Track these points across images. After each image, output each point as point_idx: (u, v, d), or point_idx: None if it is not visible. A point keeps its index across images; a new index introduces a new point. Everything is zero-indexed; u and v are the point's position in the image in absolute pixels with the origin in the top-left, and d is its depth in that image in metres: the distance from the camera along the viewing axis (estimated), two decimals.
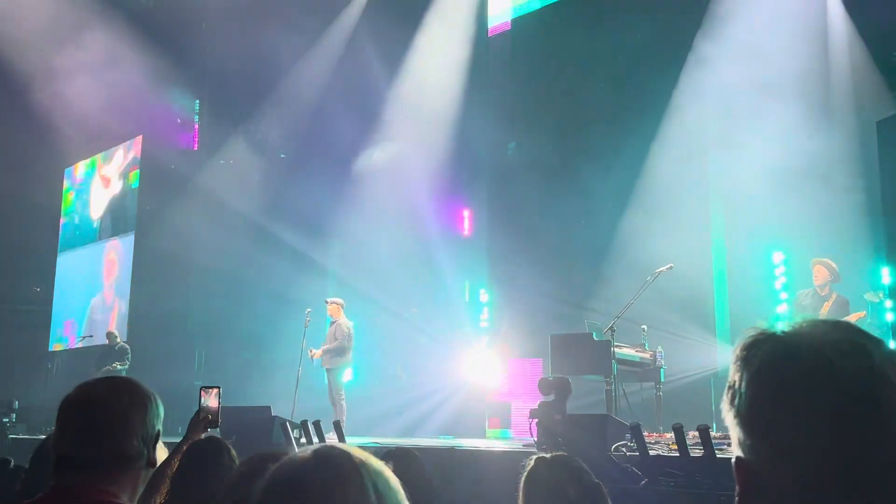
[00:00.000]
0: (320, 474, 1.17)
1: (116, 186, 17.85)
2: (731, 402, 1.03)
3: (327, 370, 11.03)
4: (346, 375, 11.39)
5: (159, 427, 2.05)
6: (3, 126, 16.14)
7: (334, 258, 15.35)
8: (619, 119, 11.67)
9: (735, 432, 1.02)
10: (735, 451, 1.03)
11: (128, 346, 13.44)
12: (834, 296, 8.29)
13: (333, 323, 11.24)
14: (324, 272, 15.30)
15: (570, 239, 12.22)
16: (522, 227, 12.91)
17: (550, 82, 12.75)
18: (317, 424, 8.05)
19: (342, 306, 11.34)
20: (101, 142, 17.65)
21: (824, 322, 1.03)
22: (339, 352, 11.04)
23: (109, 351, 13.42)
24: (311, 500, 1.15)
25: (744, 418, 1.00)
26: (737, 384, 1.02)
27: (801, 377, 0.96)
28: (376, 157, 14.56)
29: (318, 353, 11.09)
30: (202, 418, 3.21)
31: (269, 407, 8.51)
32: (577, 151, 12.13)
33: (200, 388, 3.26)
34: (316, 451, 1.23)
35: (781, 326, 1.05)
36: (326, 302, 11.36)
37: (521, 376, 12.14)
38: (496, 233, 13.54)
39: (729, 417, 1.04)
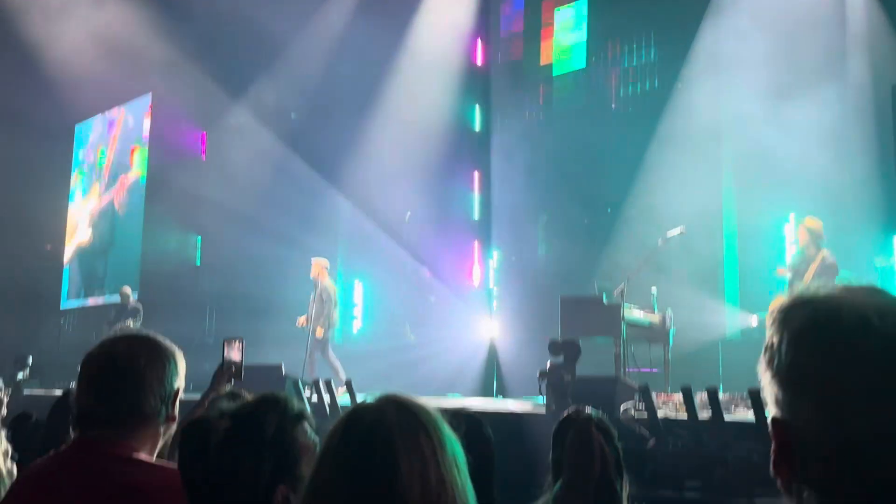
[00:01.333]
0: (399, 418, 1.23)
1: (125, 145, 17.88)
2: (770, 364, 1.03)
3: (318, 339, 10.93)
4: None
5: (179, 384, 2.07)
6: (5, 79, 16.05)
7: (344, 218, 15.35)
8: (635, 76, 11.64)
9: (772, 392, 1.03)
10: (771, 411, 1.03)
11: (140, 306, 13.54)
12: (820, 256, 8.14)
13: (317, 286, 11.09)
14: (333, 229, 15.29)
15: (582, 200, 12.21)
16: (532, 188, 12.90)
17: None
18: (328, 383, 8.12)
19: (327, 268, 11.23)
20: (111, 98, 17.57)
21: (860, 287, 1.04)
22: (328, 318, 10.98)
23: (122, 310, 13.53)
24: (391, 443, 1.20)
25: (784, 378, 1.00)
26: (776, 345, 1.02)
27: (845, 336, 0.96)
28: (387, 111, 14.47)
29: (303, 320, 11.01)
30: (226, 370, 3.21)
31: (281, 365, 8.56)
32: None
33: (223, 341, 3.25)
34: (390, 398, 1.27)
35: (817, 290, 1.04)
36: (312, 261, 11.20)
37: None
38: (504, 192, 13.53)
39: (766, 378, 1.04)
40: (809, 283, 1.07)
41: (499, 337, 12.91)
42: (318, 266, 11.14)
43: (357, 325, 15.46)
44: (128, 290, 13.80)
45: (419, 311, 14.26)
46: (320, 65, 14.54)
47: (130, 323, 13.12)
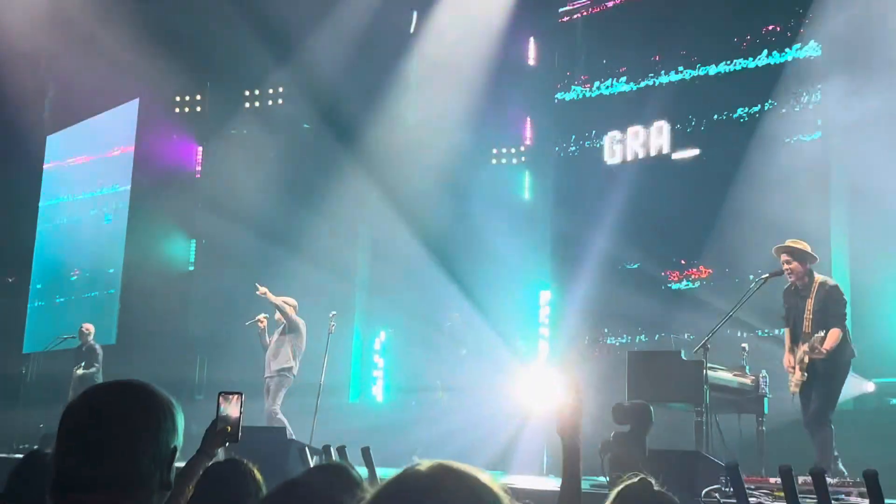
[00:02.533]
0: (457, 494, 1.24)
1: (105, 158, 18.23)
2: None
3: (277, 378, 11.24)
4: None
5: (176, 443, 2.07)
6: None
7: (363, 259, 15.61)
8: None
9: None
10: None
11: (97, 346, 13.72)
12: (815, 284, 7.99)
13: (284, 323, 11.49)
14: (349, 272, 15.50)
15: (656, 226, 12.24)
16: (593, 204, 13.01)
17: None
18: (341, 451, 8.10)
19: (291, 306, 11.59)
20: (91, 105, 17.96)
21: None
22: (295, 351, 11.39)
23: (78, 352, 13.75)
24: None
25: None
26: None
27: None
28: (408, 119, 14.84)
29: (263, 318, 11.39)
30: (219, 430, 3.22)
31: (285, 428, 8.59)
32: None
33: (219, 395, 3.28)
34: (446, 468, 1.28)
35: None
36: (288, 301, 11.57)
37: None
38: (562, 208, 13.64)
39: None
40: None
41: (548, 397, 12.82)
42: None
43: (379, 389, 15.59)
44: (88, 328, 13.98)
45: (450, 364, 14.33)
46: (338, 68, 14.87)
47: (81, 371, 13.33)
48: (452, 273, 14.37)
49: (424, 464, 1.29)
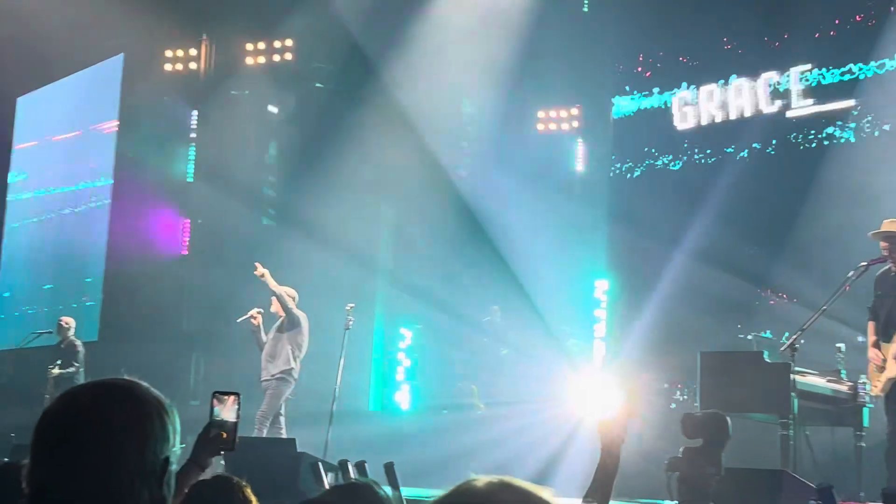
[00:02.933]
0: None
1: (85, 136, 18.38)
2: None
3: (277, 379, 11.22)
4: None
5: (168, 453, 2.06)
6: None
7: (386, 241, 15.64)
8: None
9: None
10: None
11: (78, 343, 13.87)
12: None
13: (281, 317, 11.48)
14: (369, 258, 15.54)
15: (732, 209, 12.19)
16: (660, 183, 12.97)
17: None
18: (361, 467, 8.12)
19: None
20: (68, 62, 18.09)
21: None
22: (297, 349, 11.35)
23: (56, 350, 13.90)
24: None
25: None
26: None
27: None
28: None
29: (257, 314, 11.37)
30: (213, 437, 3.23)
31: (294, 439, 8.64)
32: None
33: (213, 395, 3.30)
34: (507, 484, 1.32)
35: None
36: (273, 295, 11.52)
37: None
38: (621, 188, 13.61)
39: None
40: None
41: (604, 404, 12.80)
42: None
43: (404, 395, 15.65)
44: (68, 321, 14.13)
45: (488, 365, 14.36)
46: (357, 15, 14.91)
47: (58, 370, 13.48)
48: (490, 259, 14.37)
49: (481, 479, 1.33)
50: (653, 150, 13.97)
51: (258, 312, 11.45)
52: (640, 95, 14.24)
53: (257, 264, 11.27)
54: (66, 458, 1.97)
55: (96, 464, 1.97)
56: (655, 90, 13.98)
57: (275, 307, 11.40)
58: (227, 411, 3.28)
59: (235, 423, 3.28)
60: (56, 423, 2.02)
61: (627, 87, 14.45)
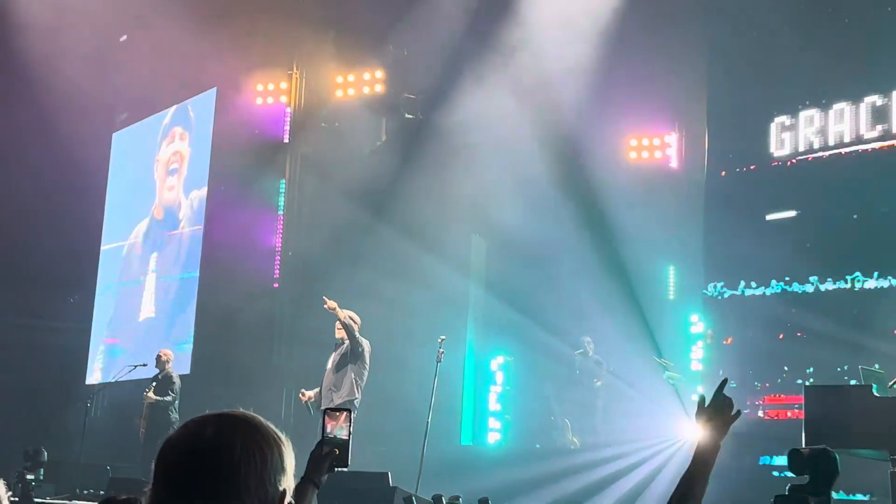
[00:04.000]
0: None
1: (179, 155, 18.69)
2: None
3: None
4: None
5: (286, 485, 2.11)
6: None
7: (477, 274, 15.62)
8: None
9: None
10: None
11: (174, 375, 14.07)
12: None
13: (342, 344, 11.39)
14: (460, 289, 15.53)
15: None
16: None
17: None
18: (455, 502, 8.07)
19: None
20: (160, 99, 18.47)
21: None
22: (359, 380, 11.26)
23: (153, 380, 14.13)
24: None
25: None
26: None
27: None
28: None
29: (311, 395, 11.33)
30: (326, 453, 3.28)
31: (387, 473, 8.59)
32: None
33: (324, 412, 3.39)
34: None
35: None
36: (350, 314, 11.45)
37: None
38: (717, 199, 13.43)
39: None
40: None
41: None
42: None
43: (496, 429, 15.57)
44: (166, 353, 14.34)
45: (582, 400, 14.23)
46: (445, 45, 15.01)
47: (153, 395, 13.68)
48: (584, 287, 14.25)
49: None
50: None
51: (309, 397, 11.44)
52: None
53: (325, 298, 11.29)
54: (191, 488, 2.03)
55: (220, 493, 2.02)
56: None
57: (340, 333, 11.40)
58: (339, 428, 3.35)
59: (347, 440, 3.35)
60: (180, 452, 2.08)
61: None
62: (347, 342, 11.26)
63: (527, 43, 14.51)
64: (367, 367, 11.35)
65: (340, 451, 3.32)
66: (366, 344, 11.36)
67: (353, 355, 11.26)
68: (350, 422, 3.39)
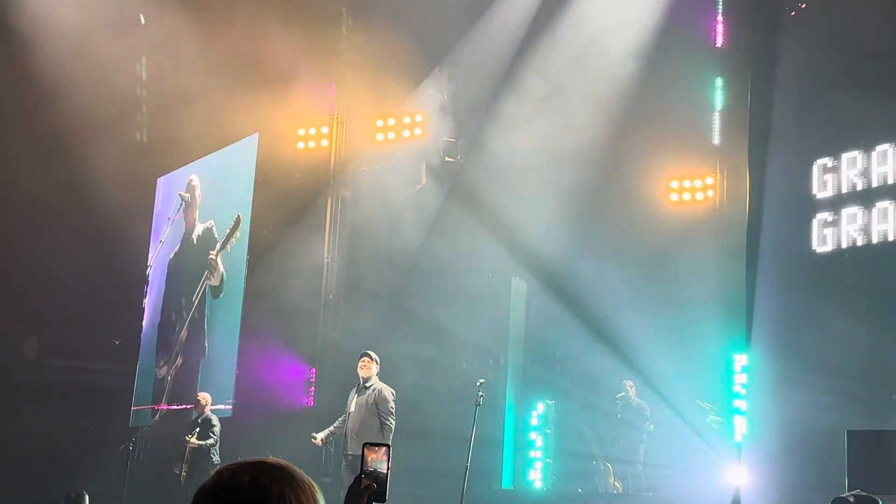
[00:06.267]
0: None
1: (221, 198, 18.87)
2: None
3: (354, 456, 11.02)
4: None
5: None
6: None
7: (517, 316, 15.63)
8: None
9: None
10: None
11: (213, 418, 14.14)
12: None
13: (367, 388, 11.36)
14: (500, 331, 15.54)
15: None
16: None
17: None
18: None
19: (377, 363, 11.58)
20: (206, 142, 18.70)
21: None
22: (386, 430, 11.20)
23: (193, 424, 14.23)
24: None
25: None
26: None
27: None
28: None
29: (322, 438, 11.60)
30: (365, 487, 3.27)
31: None
32: None
33: (364, 446, 3.37)
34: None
35: None
36: (365, 356, 11.54)
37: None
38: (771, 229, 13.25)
39: None
40: None
41: (749, 488, 12.43)
42: (372, 361, 11.52)
43: (538, 473, 15.47)
44: (205, 397, 14.44)
45: (626, 442, 14.16)
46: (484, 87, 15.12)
47: (195, 440, 13.75)
48: (625, 332, 14.22)
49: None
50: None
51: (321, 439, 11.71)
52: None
53: (314, 435, 11.68)
54: None
55: None
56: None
57: (363, 373, 11.43)
58: (378, 462, 3.34)
59: (386, 474, 3.34)
60: (216, 498, 2.12)
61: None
62: (374, 388, 11.33)
63: (564, 86, 14.61)
64: (395, 416, 11.39)
65: (379, 486, 3.30)
66: (393, 397, 11.39)
67: (380, 407, 11.31)
68: (389, 457, 3.38)
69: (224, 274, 17.81)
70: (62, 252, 18.68)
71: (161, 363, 19.19)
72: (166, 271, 19.85)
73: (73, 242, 18.75)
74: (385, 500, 3.37)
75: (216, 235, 18.35)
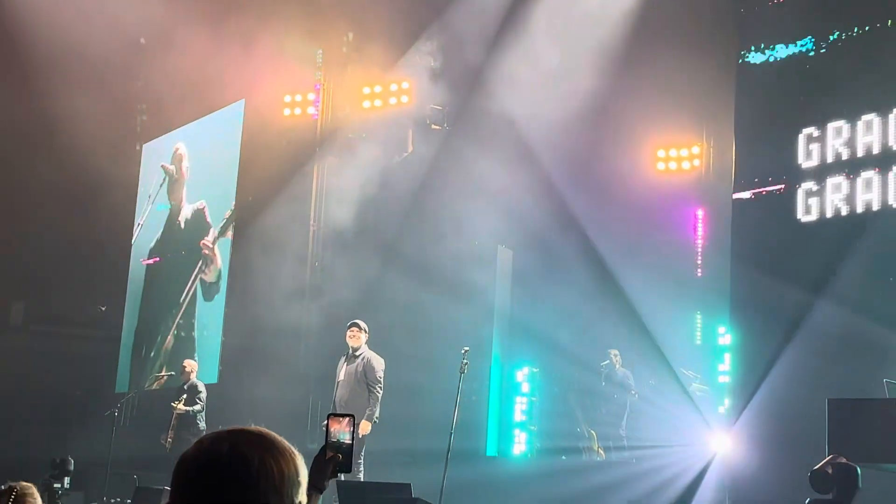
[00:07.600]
0: None
1: (208, 168, 18.80)
2: None
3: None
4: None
5: (301, 498, 2.14)
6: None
7: (503, 285, 15.61)
8: None
9: None
10: None
11: (200, 384, 14.16)
12: None
13: (356, 357, 11.36)
14: (485, 300, 15.53)
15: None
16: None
17: None
18: None
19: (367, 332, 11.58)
20: (192, 109, 18.60)
21: None
22: (375, 405, 11.22)
23: (180, 390, 14.25)
24: None
25: None
26: None
27: None
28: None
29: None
30: (329, 458, 3.26)
31: (409, 485, 8.60)
32: None
33: (328, 416, 3.39)
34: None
35: None
36: (354, 325, 11.52)
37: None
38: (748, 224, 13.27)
39: None
40: None
41: (731, 454, 12.47)
42: (361, 331, 11.53)
43: (521, 441, 15.52)
44: (191, 364, 14.45)
45: (608, 411, 14.22)
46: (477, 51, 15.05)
47: (181, 406, 13.77)
48: (610, 302, 14.25)
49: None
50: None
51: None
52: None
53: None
54: (210, 498, 2.07)
55: (241, 501, 2.06)
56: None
57: (352, 342, 11.44)
58: (342, 432, 3.33)
59: (351, 445, 3.33)
60: (197, 467, 2.11)
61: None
62: (363, 357, 11.34)
63: (552, 52, 14.54)
64: (382, 385, 11.43)
65: (344, 456, 3.30)
66: (382, 368, 11.41)
67: (369, 379, 11.34)
68: (353, 427, 3.37)
69: (221, 269, 17.65)
70: (48, 218, 18.63)
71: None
72: (146, 265, 19.69)
73: (59, 209, 18.70)
74: (350, 471, 3.42)
75: (209, 219, 18.18)
